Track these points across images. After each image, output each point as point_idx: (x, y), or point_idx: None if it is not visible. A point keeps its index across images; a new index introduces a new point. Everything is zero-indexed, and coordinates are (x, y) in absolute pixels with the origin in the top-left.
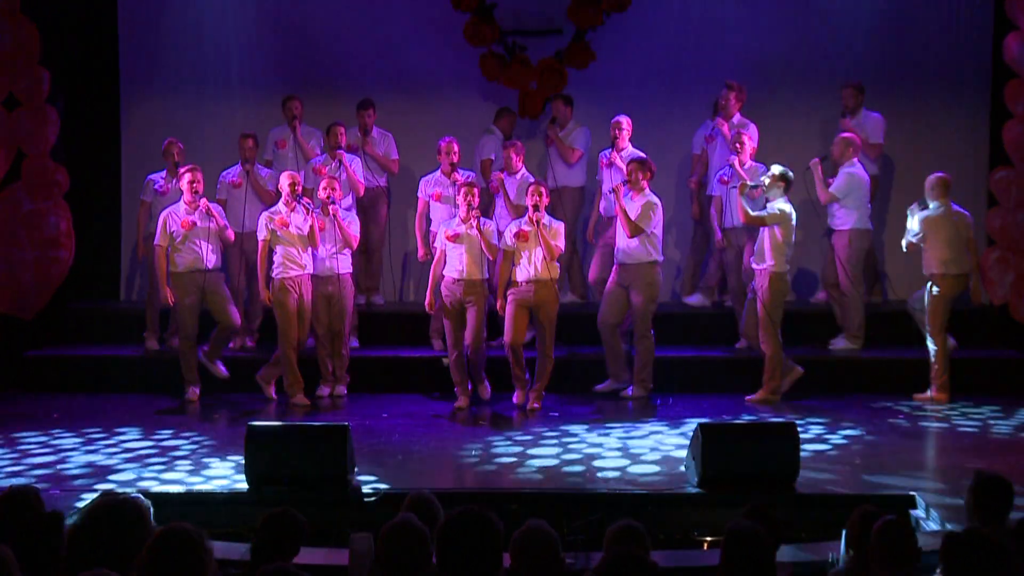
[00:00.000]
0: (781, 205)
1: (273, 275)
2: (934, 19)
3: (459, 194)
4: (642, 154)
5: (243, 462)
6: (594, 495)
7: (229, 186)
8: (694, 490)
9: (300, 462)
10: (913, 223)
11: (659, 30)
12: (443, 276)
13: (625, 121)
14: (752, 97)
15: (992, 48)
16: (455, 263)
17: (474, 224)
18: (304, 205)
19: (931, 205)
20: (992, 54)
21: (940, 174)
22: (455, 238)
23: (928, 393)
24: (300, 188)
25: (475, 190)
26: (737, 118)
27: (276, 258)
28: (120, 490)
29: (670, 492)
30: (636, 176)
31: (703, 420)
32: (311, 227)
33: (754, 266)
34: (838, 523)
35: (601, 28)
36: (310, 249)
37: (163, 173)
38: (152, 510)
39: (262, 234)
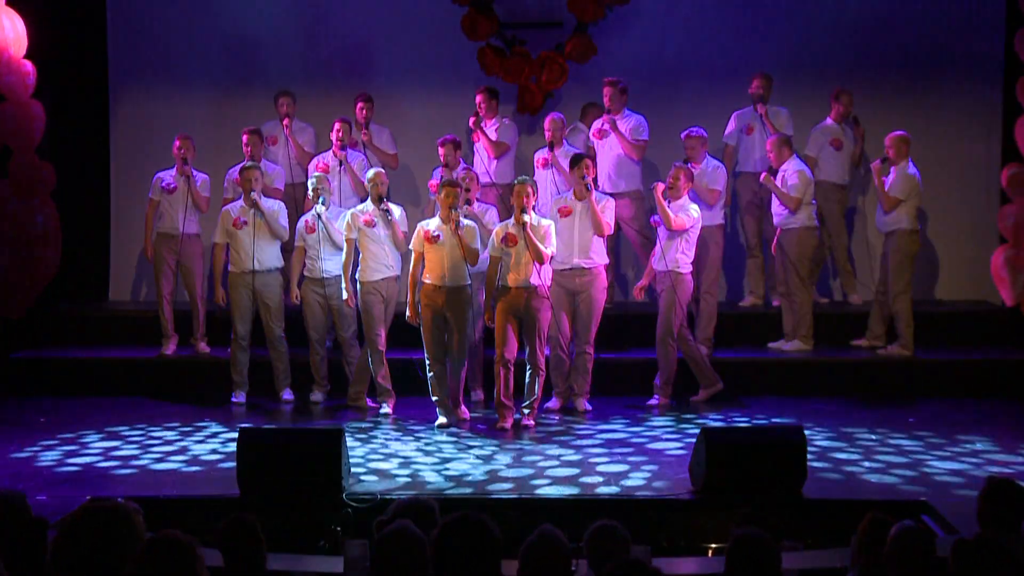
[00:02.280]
0: (692, 204)
1: (358, 277)
2: (946, 13)
3: (439, 192)
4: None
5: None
6: (596, 502)
7: (234, 184)
8: (698, 496)
9: (294, 467)
10: (895, 181)
11: (662, 24)
12: (422, 282)
13: (562, 118)
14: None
15: (1004, 43)
16: (435, 267)
17: (453, 226)
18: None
19: (907, 163)
20: (1004, 49)
21: (901, 132)
22: (434, 240)
23: (864, 340)
24: (385, 188)
25: (457, 190)
26: (627, 113)
27: (361, 260)
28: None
29: (674, 498)
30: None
31: (706, 424)
32: (394, 227)
33: (656, 267)
34: (846, 529)
35: (603, 21)
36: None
37: (171, 171)
38: (143, 516)
39: (350, 233)
